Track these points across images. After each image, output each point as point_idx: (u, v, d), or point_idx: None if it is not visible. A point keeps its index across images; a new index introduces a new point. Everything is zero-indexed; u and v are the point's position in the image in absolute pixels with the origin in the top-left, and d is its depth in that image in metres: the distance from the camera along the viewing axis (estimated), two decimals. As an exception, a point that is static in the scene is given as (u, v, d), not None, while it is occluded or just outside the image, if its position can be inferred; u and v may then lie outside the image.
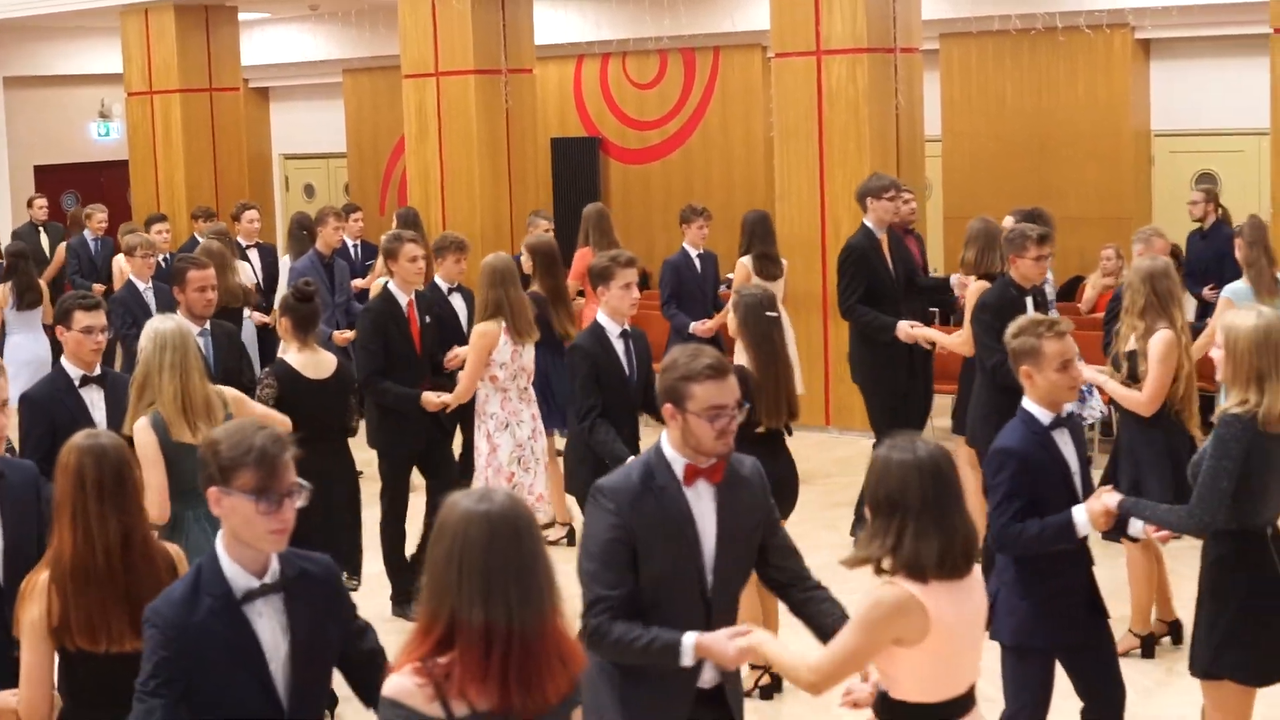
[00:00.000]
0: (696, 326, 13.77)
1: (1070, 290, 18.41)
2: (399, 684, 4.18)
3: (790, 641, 7.02)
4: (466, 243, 12.08)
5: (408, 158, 19.75)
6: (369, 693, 4.84)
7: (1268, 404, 6.52)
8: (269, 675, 4.67)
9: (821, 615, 5.71)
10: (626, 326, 9.42)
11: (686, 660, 5.42)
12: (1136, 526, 6.86)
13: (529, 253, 12.43)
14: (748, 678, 9.15)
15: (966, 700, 5.32)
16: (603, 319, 9.38)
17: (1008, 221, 12.43)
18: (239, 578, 4.66)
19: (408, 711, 4.14)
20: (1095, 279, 16.64)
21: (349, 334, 13.20)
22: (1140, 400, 9.17)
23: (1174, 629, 9.88)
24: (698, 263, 14.76)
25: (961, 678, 5.29)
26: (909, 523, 5.14)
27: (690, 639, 5.41)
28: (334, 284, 14.86)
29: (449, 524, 4.22)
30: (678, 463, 5.60)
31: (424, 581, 4.29)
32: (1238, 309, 6.91)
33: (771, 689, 9.24)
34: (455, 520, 4.21)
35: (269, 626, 4.69)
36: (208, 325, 9.67)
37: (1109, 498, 6.64)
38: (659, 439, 5.69)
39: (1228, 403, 6.65)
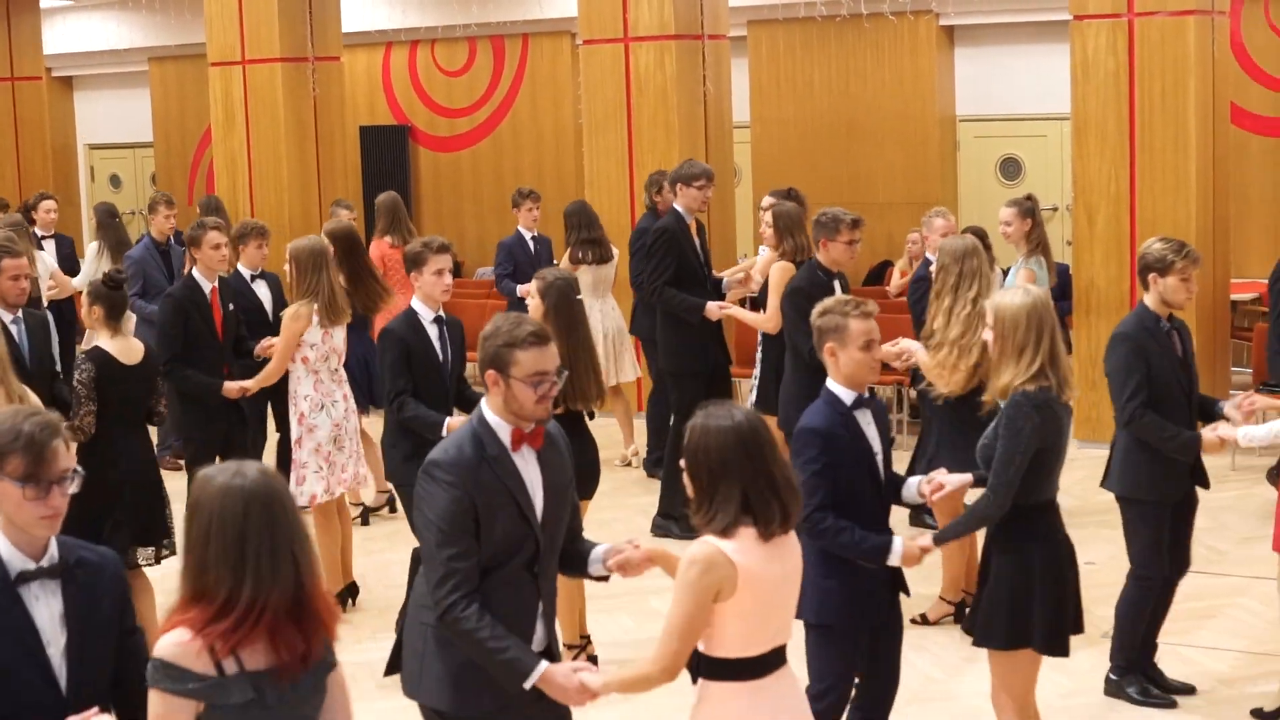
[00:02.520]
0: (523, 289, 13.79)
1: (878, 275, 18.61)
2: (170, 645, 4.29)
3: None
4: (268, 229, 12.02)
5: (214, 147, 19.50)
6: (124, 691, 4.78)
7: (1038, 370, 6.66)
8: (47, 660, 4.62)
9: (580, 549, 5.93)
10: (441, 313, 9.43)
11: (528, 684, 5.48)
12: (910, 492, 6.91)
13: (329, 239, 12.37)
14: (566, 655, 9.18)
15: (776, 657, 5.40)
16: (417, 305, 9.40)
17: (766, 202, 12.56)
18: (15, 559, 4.61)
19: (179, 671, 4.27)
20: (902, 263, 16.82)
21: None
22: (939, 372, 9.31)
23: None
24: (531, 244, 14.92)
25: (773, 635, 5.38)
26: (729, 486, 5.24)
27: (540, 669, 5.48)
28: (172, 270, 14.72)
29: (205, 499, 4.36)
30: (503, 429, 5.67)
31: (183, 554, 4.40)
32: (1005, 290, 7.02)
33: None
34: (211, 495, 4.35)
35: (46, 612, 4.64)
36: (20, 313, 9.66)
37: (924, 541, 6.75)
38: (477, 409, 5.74)
39: (1005, 379, 6.75)
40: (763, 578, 5.27)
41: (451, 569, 5.50)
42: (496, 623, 5.51)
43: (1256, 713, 8.42)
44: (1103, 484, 8.70)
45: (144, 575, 9.25)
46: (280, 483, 4.44)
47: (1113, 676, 8.77)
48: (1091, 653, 8.95)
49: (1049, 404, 6.68)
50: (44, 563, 4.64)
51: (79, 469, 4.67)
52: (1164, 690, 8.74)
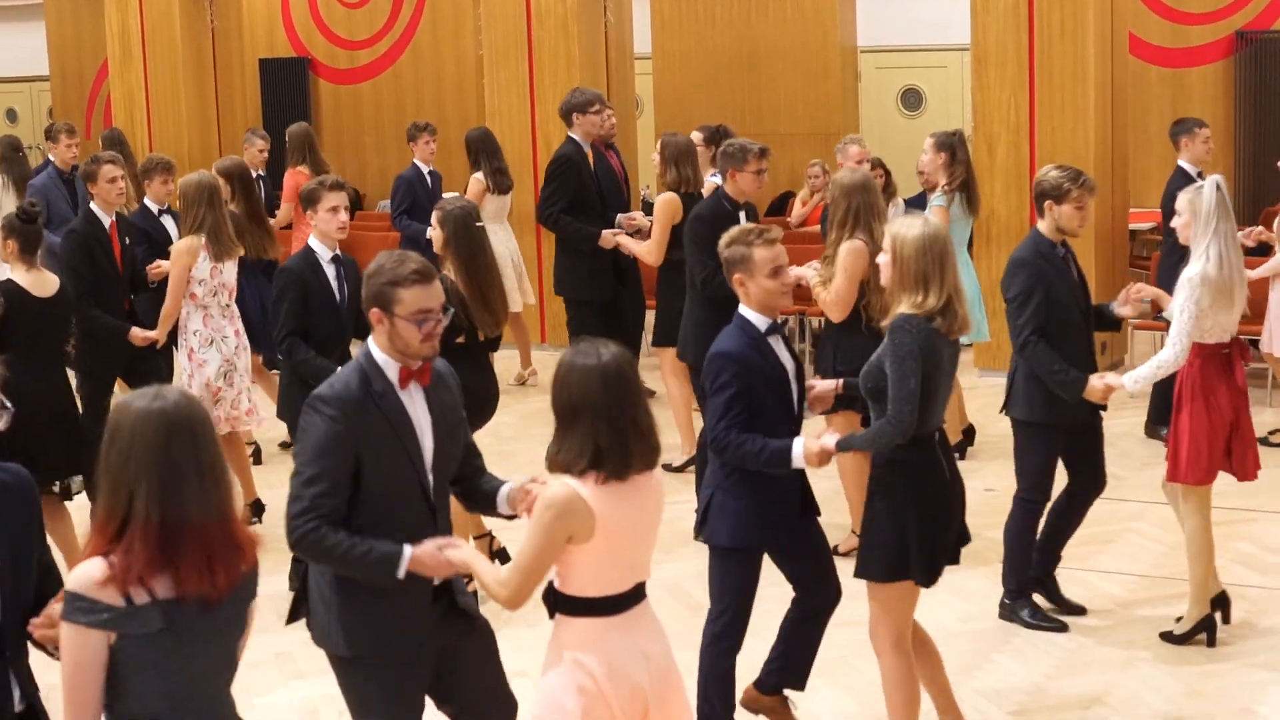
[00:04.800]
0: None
1: (780, 206, 18.65)
2: (80, 576, 4.26)
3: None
4: (173, 164, 11.93)
5: (111, 80, 19.31)
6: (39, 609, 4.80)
7: (935, 305, 6.64)
8: None
9: (486, 484, 5.92)
10: (338, 252, 9.40)
11: (401, 573, 5.47)
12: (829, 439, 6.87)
13: (221, 176, 12.28)
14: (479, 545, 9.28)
15: (633, 595, 5.43)
16: (314, 243, 9.36)
17: (695, 136, 12.54)
18: None
19: (89, 603, 4.24)
20: (804, 194, 16.87)
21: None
22: (830, 302, 9.35)
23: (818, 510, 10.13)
24: (429, 178, 14.85)
25: (629, 574, 5.40)
26: (588, 425, 5.24)
27: (406, 552, 5.46)
28: (76, 199, 14.61)
29: (124, 423, 4.31)
30: (390, 367, 5.65)
31: (100, 478, 4.35)
32: (903, 218, 6.99)
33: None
34: (131, 419, 4.30)
35: None
36: None
37: (828, 439, 6.69)
38: (364, 346, 5.71)
39: (903, 309, 6.70)
40: (618, 520, 5.28)
41: (316, 502, 5.47)
42: (351, 532, 5.47)
43: (1166, 635, 8.54)
44: (1003, 409, 8.78)
45: (56, 501, 9.23)
46: (200, 408, 4.41)
47: (1006, 601, 8.87)
48: (990, 577, 9.05)
49: (930, 332, 6.65)
50: None
51: (7, 403, 4.67)
52: (1059, 608, 8.86)
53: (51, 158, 15.48)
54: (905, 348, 6.61)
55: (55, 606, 4.56)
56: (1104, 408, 8.67)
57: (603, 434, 5.23)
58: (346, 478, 5.51)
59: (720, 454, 6.80)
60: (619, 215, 12.44)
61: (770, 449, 6.72)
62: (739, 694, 7.29)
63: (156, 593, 4.25)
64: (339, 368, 8.67)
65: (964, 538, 7.05)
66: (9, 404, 4.68)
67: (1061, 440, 8.64)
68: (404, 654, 5.69)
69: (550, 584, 5.45)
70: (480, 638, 5.92)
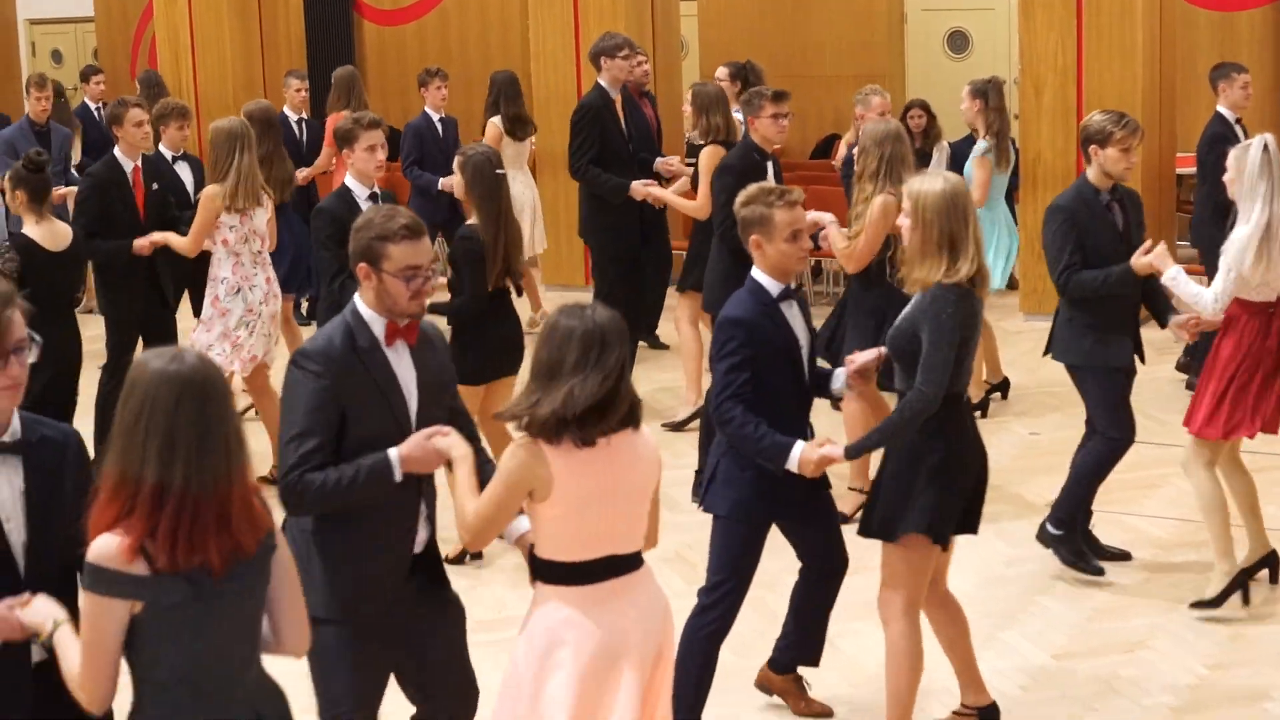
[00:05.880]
0: (444, 183, 13.71)
1: (825, 149, 18.57)
2: (99, 548, 4.20)
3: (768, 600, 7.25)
4: (189, 110, 11.89)
5: (156, 21, 19.29)
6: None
7: (968, 271, 6.47)
8: (4, 536, 4.58)
9: (481, 465, 5.74)
10: (375, 189, 9.35)
11: (397, 476, 5.42)
12: (839, 383, 6.79)
13: (247, 118, 12.24)
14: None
15: (613, 565, 5.33)
16: (350, 182, 9.33)
17: (721, 73, 12.42)
18: None
19: (110, 573, 4.19)
20: (849, 136, 16.78)
21: (65, 190, 13.07)
22: (848, 254, 9.30)
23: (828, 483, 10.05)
24: (439, 126, 14.75)
25: (603, 542, 5.29)
26: (558, 385, 5.14)
27: (394, 452, 5.42)
28: (51, 152, 14.54)
29: (139, 384, 4.24)
30: (377, 323, 5.58)
31: (113, 438, 4.30)
32: (922, 176, 6.82)
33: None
34: (145, 380, 4.23)
35: (6, 488, 4.60)
36: None
37: (831, 449, 6.50)
38: (352, 301, 5.65)
39: (926, 272, 6.51)
40: (579, 485, 5.19)
41: (301, 459, 5.41)
42: (332, 468, 5.42)
43: (1197, 604, 8.37)
44: (1046, 353, 8.74)
45: None
46: (216, 372, 4.34)
47: (1050, 529, 8.78)
48: (1035, 521, 9.02)
49: (969, 295, 6.50)
50: (5, 438, 4.60)
51: (36, 337, 4.61)
52: (1099, 555, 8.83)
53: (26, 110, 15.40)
54: (946, 321, 6.42)
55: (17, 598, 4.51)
56: (1143, 359, 8.62)
57: (568, 397, 5.11)
58: (333, 434, 5.45)
59: (720, 425, 6.61)
60: (657, 160, 12.30)
61: (769, 441, 6.51)
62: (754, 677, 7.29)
63: (179, 561, 4.20)
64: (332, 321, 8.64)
65: (978, 506, 6.83)
66: (38, 338, 4.65)
67: (1119, 379, 8.58)
68: (376, 621, 5.61)
69: (531, 546, 5.39)
70: (452, 623, 5.85)
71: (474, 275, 8.85)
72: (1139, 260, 8.21)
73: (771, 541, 6.86)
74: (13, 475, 4.62)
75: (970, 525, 6.77)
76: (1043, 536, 8.81)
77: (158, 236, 10.46)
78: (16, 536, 4.61)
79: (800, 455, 6.48)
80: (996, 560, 8.80)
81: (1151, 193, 14.06)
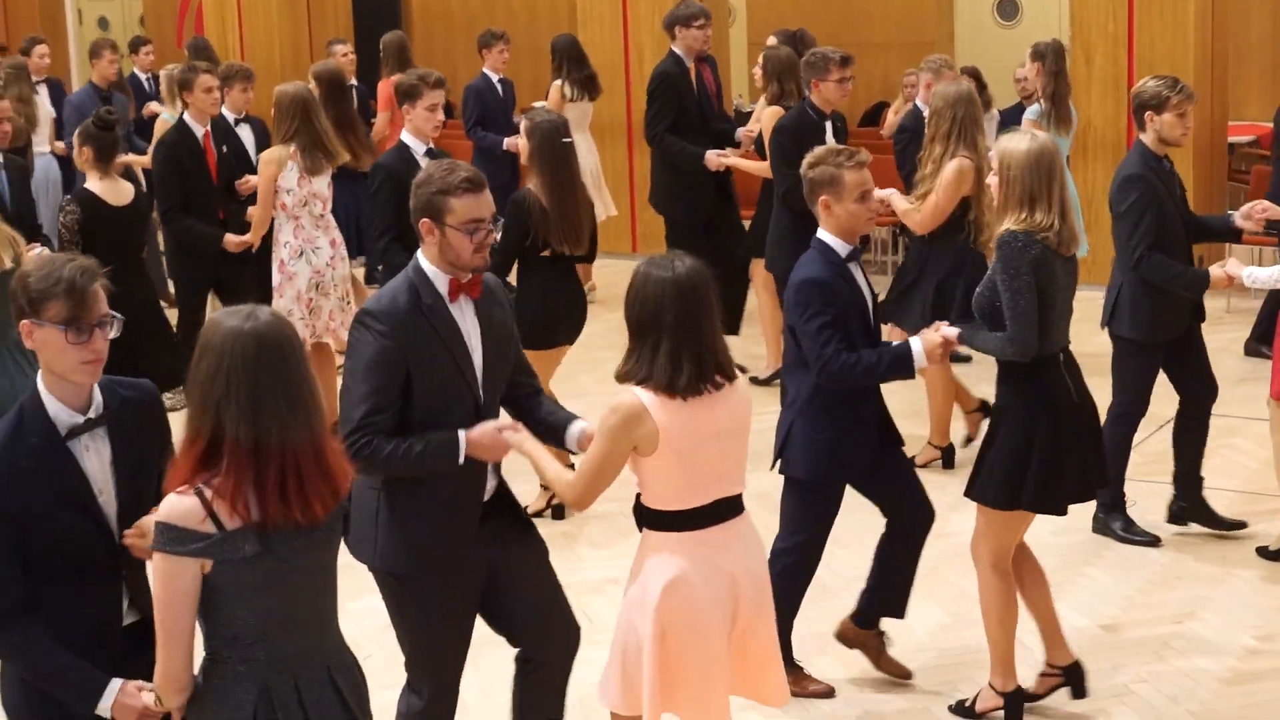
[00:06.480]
0: (510, 142, 13.70)
1: (873, 116, 18.49)
2: (170, 506, 4.21)
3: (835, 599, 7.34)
4: (253, 72, 11.92)
5: (203, -13, 19.31)
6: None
7: (1044, 223, 6.44)
8: (98, 508, 4.66)
9: (552, 415, 5.84)
10: (431, 145, 9.36)
11: (460, 457, 5.45)
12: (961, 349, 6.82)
13: (315, 80, 12.24)
14: (539, 498, 9.24)
15: (716, 510, 5.42)
16: (407, 138, 9.35)
17: (771, 41, 12.39)
18: (62, 414, 4.62)
19: (180, 532, 4.18)
20: (898, 104, 16.70)
21: (133, 157, 13.08)
22: (916, 218, 9.28)
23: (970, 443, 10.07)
24: (499, 87, 14.72)
25: (709, 488, 5.38)
26: (660, 339, 5.23)
27: (464, 435, 5.45)
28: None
29: (214, 342, 4.25)
30: (440, 279, 5.58)
31: (188, 398, 4.32)
32: (1011, 134, 6.80)
33: (563, 508, 9.26)
34: (221, 338, 4.24)
35: (96, 460, 4.67)
36: (1, 158, 9.65)
37: (948, 330, 6.58)
38: (414, 258, 5.65)
39: (1008, 226, 6.51)
40: (686, 435, 5.26)
41: (367, 417, 5.43)
42: (401, 438, 5.45)
43: (1262, 551, 8.47)
44: (1104, 325, 8.68)
45: None
46: (290, 329, 4.34)
47: (1099, 515, 8.82)
48: (1085, 491, 8.99)
49: (1039, 245, 6.45)
50: (91, 414, 4.66)
51: (117, 314, 4.66)
52: (1219, 530, 8.83)
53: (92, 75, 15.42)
54: (1014, 264, 6.42)
55: (147, 519, 4.58)
56: (1203, 317, 8.60)
57: (672, 349, 5.21)
58: (397, 393, 5.47)
59: (833, 381, 6.62)
60: (740, 130, 12.26)
61: (887, 357, 6.59)
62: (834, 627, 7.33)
63: (251, 516, 4.20)
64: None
65: (1098, 473, 6.85)
66: (119, 315, 4.69)
67: (1159, 355, 8.58)
68: (452, 574, 5.64)
69: (638, 496, 5.45)
70: (534, 557, 5.87)
71: (506, 240, 8.81)
72: (1217, 274, 8.18)
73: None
74: (101, 447, 4.69)
75: (1082, 491, 6.82)
76: (1095, 527, 8.89)
77: (249, 238, 10.65)
78: (110, 508, 4.69)
79: (922, 347, 6.57)
80: (1044, 530, 8.72)
81: (1203, 161, 13.97)
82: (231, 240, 10.62)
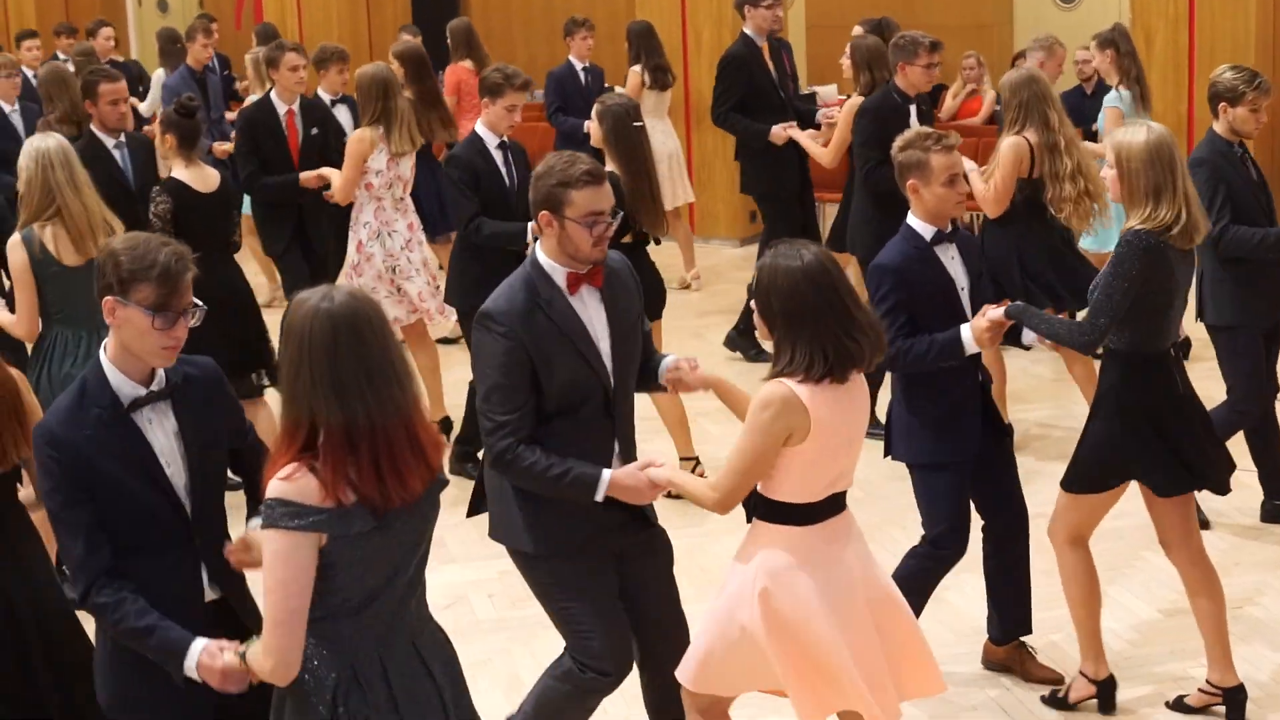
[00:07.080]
0: (589, 125, 13.73)
1: (931, 99, 18.40)
2: (282, 483, 4.21)
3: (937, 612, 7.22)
4: (349, 54, 12.01)
5: (263, -29, 19.40)
6: (253, 483, 4.95)
7: (1169, 218, 6.35)
8: (167, 480, 4.71)
9: (657, 360, 5.90)
10: (505, 138, 9.45)
11: (599, 496, 5.46)
12: (1029, 336, 6.74)
13: (397, 60, 12.31)
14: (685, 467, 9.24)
15: (831, 504, 5.39)
16: (481, 130, 9.44)
17: (856, 30, 12.37)
18: (125, 386, 4.68)
19: (297, 507, 4.19)
20: (956, 87, 16.68)
21: (227, 145, 13.14)
22: (984, 197, 9.27)
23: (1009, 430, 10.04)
24: (582, 75, 14.74)
25: (835, 479, 5.36)
26: (804, 329, 5.17)
27: (605, 475, 5.45)
28: (208, 99, 14.71)
29: (295, 324, 4.27)
30: (558, 273, 5.56)
31: (281, 384, 4.34)
32: (1126, 124, 6.73)
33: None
34: (299, 320, 4.26)
35: (160, 434, 4.73)
36: (123, 137, 9.83)
37: (994, 312, 6.52)
38: (531, 252, 5.63)
39: (1134, 223, 6.42)
40: (832, 424, 5.23)
41: (502, 421, 5.45)
42: (549, 451, 5.46)
43: None
44: (1198, 317, 8.60)
45: (258, 400, 9.42)
46: (369, 306, 4.32)
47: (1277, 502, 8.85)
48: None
49: (1161, 247, 6.36)
50: (154, 386, 4.73)
51: (199, 303, 4.73)
52: None
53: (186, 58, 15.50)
54: (1127, 265, 6.33)
55: (251, 533, 4.65)
56: None
57: (823, 338, 5.16)
58: (528, 392, 5.47)
59: (892, 368, 6.69)
60: (821, 111, 12.27)
61: (938, 343, 6.56)
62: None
63: (362, 491, 4.21)
64: (529, 223, 8.53)
65: (1219, 458, 6.77)
66: (202, 304, 4.75)
67: (1261, 344, 8.49)
68: (585, 553, 5.67)
69: (759, 493, 5.39)
70: (659, 556, 5.90)
71: None
72: None
73: (875, 489, 6.88)
74: (165, 421, 4.75)
75: (1208, 477, 6.73)
76: (1264, 517, 8.89)
77: (326, 171, 10.66)
78: (179, 479, 4.74)
79: (971, 334, 6.53)
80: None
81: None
82: (308, 176, 10.70)
